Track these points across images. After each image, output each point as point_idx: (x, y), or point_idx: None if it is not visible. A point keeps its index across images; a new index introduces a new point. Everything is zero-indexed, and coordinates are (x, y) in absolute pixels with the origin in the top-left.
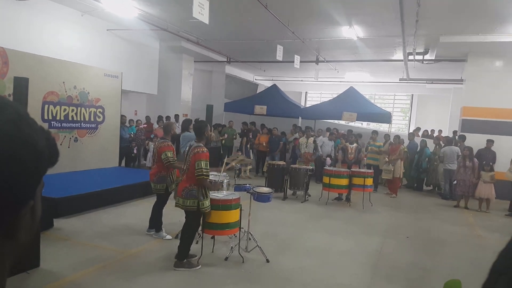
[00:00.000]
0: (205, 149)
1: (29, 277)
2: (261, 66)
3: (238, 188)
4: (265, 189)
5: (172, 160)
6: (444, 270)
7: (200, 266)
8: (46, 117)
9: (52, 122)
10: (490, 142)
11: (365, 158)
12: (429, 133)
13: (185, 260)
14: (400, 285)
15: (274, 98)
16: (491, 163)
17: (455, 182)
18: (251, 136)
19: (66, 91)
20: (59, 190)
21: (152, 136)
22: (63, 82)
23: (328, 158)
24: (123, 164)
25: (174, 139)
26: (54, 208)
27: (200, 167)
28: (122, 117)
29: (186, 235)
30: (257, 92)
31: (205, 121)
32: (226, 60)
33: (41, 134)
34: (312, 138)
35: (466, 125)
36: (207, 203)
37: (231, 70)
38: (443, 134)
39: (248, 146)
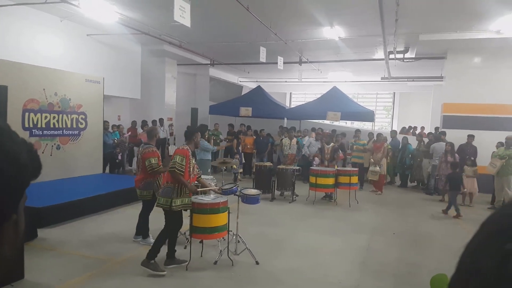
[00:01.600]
0: (187, 147)
1: None
2: (245, 68)
3: (225, 192)
4: (253, 191)
5: (156, 166)
6: (431, 265)
7: (165, 272)
8: (26, 125)
9: (33, 130)
10: (470, 137)
11: (350, 157)
12: (412, 129)
13: (153, 261)
14: (388, 280)
15: (259, 100)
16: (472, 158)
17: (437, 176)
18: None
19: (46, 98)
20: (43, 199)
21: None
22: (44, 89)
23: (316, 158)
24: (107, 170)
25: (159, 144)
26: (38, 218)
27: (174, 161)
28: (105, 123)
29: (161, 235)
30: (242, 94)
31: (198, 127)
32: (209, 62)
33: (23, 147)
34: (295, 139)
35: (447, 121)
36: (178, 201)
37: (215, 72)
38: (425, 131)
39: (240, 148)
